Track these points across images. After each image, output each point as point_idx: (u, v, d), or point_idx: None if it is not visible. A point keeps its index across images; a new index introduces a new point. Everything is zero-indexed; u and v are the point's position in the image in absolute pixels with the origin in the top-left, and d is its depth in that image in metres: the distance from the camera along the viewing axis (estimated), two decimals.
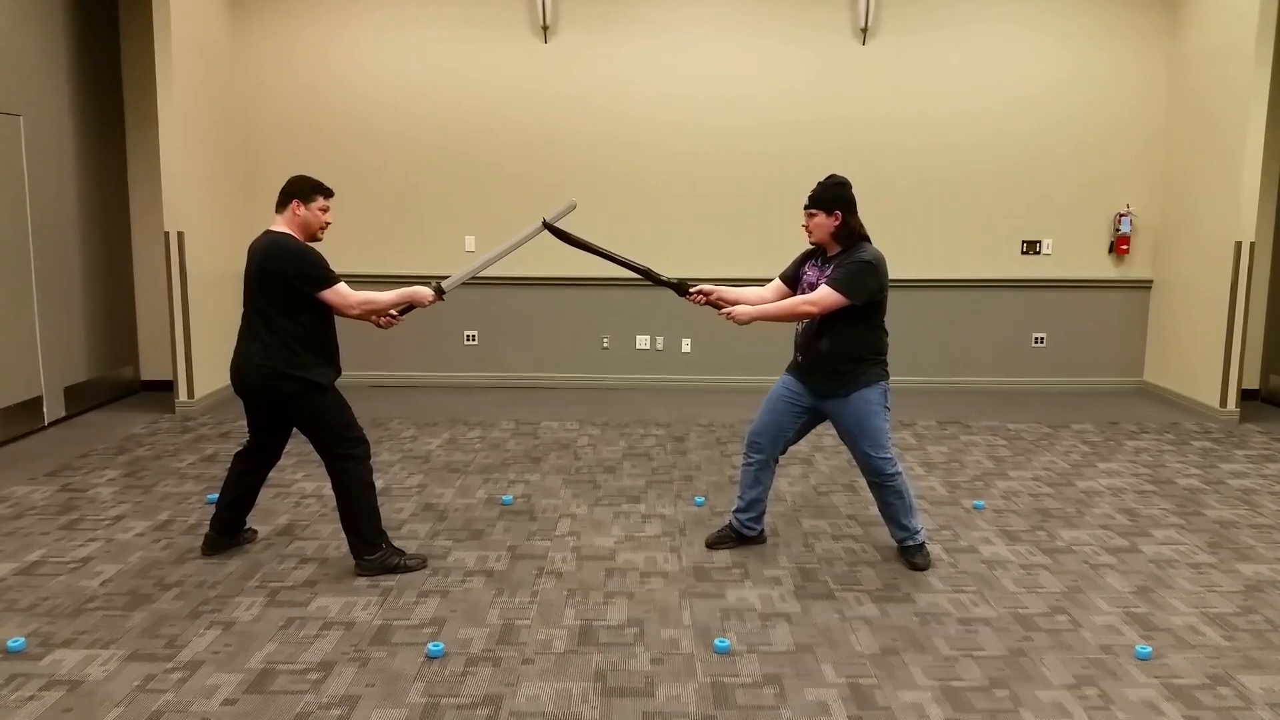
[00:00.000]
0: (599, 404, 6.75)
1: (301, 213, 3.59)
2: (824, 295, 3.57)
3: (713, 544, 4.00)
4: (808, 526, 4.28)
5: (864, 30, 6.95)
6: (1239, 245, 6.27)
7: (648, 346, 7.30)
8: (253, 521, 4.09)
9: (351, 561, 3.74)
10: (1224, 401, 6.43)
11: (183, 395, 6.34)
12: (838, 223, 3.63)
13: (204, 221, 6.48)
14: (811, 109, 7.04)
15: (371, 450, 3.72)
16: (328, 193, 3.64)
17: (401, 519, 4.32)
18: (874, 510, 4.20)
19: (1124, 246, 7.16)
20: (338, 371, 3.68)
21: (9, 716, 2.68)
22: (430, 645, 3.08)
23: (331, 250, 7.15)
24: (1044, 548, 4.06)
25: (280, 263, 3.48)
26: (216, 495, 4.10)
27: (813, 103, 7.04)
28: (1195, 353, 6.73)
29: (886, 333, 3.75)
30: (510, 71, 7.01)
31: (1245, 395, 6.62)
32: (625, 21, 6.97)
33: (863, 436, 3.70)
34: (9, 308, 5.60)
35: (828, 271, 3.65)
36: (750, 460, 3.92)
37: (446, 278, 3.75)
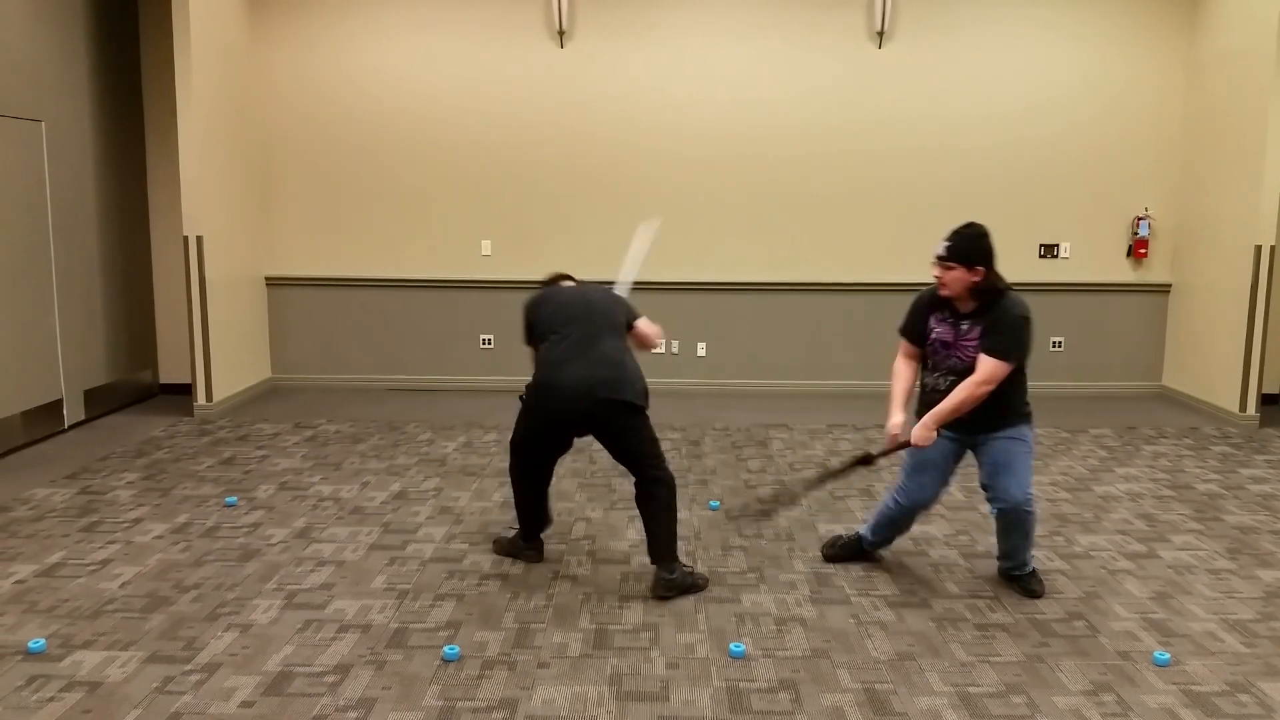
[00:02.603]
0: None
1: None
2: (993, 370, 3.31)
3: (831, 557, 3.91)
4: (824, 531, 4.27)
5: (880, 34, 6.94)
6: (1259, 249, 6.22)
7: (663, 350, 7.29)
8: (269, 524, 4.12)
9: (367, 564, 3.77)
10: (1243, 406, 6.37)
11: (201, 398, 6.38)
12: (978, 279, 3.35)
13: (223, 225, 6.52)
14: (827, 113, 7.03)
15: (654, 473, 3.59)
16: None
17: (418, 522, 4.34)
18: None
19: (1142, 250, 7.11)
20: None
21: (29, 717, 2.70)
22: (446, 649, 3.09)
23: (349, 253, 7.27)
24: (1061, 553, 4.04)
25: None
26: (235, 499, 4.13)
27: (829, 106, 7.03)
28: (1214, 357, 6.68)
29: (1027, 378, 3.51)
30: (526, 76, 7.03)
31: (1265, 400, 6.57)
32: (641, 26, 6.98)
33: (1007, 468, 3.44)
34: (30, 311, 5.65)
35: (965, 329, 3.42)
36: (899, 505, 3.70)
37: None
